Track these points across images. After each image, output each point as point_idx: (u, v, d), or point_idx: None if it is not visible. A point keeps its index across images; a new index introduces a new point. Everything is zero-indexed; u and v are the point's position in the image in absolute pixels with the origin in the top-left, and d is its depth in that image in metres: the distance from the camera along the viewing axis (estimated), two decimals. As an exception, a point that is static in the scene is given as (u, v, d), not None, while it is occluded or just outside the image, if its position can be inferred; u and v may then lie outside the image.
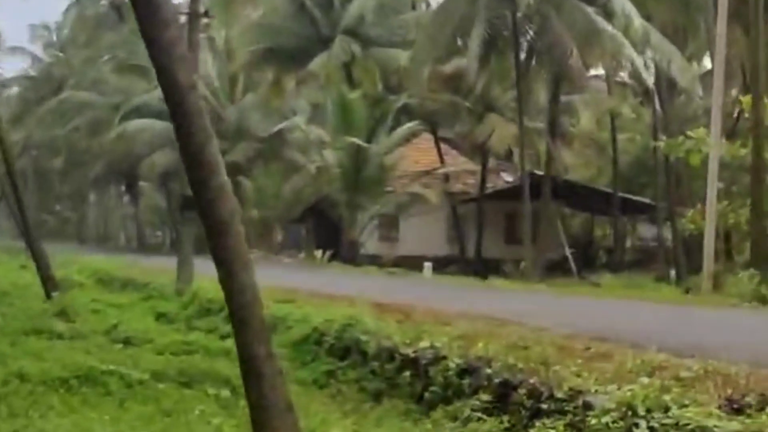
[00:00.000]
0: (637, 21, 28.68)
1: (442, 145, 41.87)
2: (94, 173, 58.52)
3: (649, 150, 36.75)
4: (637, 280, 31.10)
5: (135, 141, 47.45)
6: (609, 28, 28.61)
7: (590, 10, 29.69)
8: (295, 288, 20.15)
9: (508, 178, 45.39)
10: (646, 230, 49.86)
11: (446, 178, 41.61)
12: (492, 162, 42.91)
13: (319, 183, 37.73)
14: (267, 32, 41.85)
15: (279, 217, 44.27)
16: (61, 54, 69.15)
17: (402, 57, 37.28)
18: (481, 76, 33.22)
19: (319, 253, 37.82)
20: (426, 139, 41.89)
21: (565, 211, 47.53)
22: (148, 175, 51.47)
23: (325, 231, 40.98)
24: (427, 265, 29.40)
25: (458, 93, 36.62)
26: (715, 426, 6.95)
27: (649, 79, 30.97)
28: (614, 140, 41.05)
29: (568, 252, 40.19)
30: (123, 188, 64.96)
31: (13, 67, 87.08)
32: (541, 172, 36.26)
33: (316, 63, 39.05)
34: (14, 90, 73.26)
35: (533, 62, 32.94)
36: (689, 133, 23.27)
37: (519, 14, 30.76)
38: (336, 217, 38.35)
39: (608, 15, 29.40)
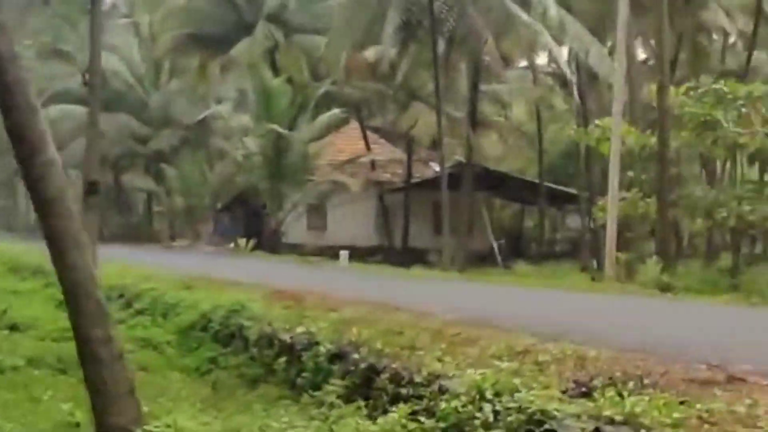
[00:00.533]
0: (554, 10, 28.56)
1: (372, 135, 41.49)
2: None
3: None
4: (557, 270, 31.21)
5: (57, 128, 46.42)
6: (525, 16, 28.46)
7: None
8: (203, 276, 19.80)
9: (436, 167, 45.29)
10: (574, 220, 50.24)
11: (372, 166, 41.33)
12: (424, 152, 42.63)
13: (244, 171, 37.17)
14: (190, 17, 41.17)
15: (206, 206, 43.61)
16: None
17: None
18: (402, 64, 32.98)
19: (243, 241, 37.30)
20: (354, 128, 41.49)
21: (496, 202, 47.62)
22: (70, 163, 50.34)
23: (250, 220, 40.47)
24: (344, 253, 29.13)
25: (383, 81, 36.26)
26: (556, 409, 6.83)
27: (567, 69, 30.92)
28: (539, 130, 41.13)
29: (493, 242, 40.27)
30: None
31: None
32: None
33: (238, 49, 38.50)
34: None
35: (452, 51, 32.59)
36: (597, 122, 23.36)
37: (437, 1, 30.41)
38: (260, 206, 37.87)
39: (525, 4, 29.25)
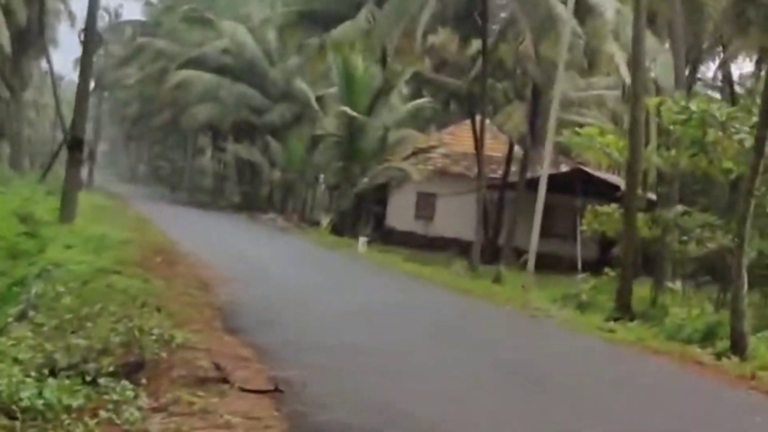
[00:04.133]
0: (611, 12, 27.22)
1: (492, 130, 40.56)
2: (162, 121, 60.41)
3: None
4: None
5: (183, 92, 48.64)
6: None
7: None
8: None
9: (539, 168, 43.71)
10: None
11: (479, 161, 40.47)
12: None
13: (324, 150, 37.66)
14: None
15: (307, 182, 44.47)
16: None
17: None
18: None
19: (326, 221, 37.63)
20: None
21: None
22: (190, 126, 52.60)
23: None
24: (362, 240, 28.96)
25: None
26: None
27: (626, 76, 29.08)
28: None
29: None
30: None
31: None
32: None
33: (339, 30, 38.66)
34: (128, 32, 75.45)
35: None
36: (578, 129, 22.21)
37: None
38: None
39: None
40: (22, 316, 10.20)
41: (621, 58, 28.43)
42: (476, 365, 10.49)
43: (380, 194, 38.40)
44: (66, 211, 22.16)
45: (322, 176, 44.35)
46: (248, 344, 9.81)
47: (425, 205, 40.45)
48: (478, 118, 33.70)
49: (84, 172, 62.31)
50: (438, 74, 36.99)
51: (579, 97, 34.78)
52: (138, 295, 11.92)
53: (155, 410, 6.70)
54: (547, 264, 29.26)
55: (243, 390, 7.46)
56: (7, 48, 43.77)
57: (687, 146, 18.91)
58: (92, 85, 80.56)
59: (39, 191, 39.30)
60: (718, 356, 12.88)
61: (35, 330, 9.27)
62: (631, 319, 16.74)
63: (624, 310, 17.58)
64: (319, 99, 43.40)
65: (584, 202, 40.60)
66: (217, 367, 8.05)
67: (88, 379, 7.31)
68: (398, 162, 35.38)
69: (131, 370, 7.77)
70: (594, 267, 28.88)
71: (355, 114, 34.01)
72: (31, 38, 48.12)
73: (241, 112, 46.58)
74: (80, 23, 39.15)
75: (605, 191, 38.58)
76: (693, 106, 17.60)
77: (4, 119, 51.25)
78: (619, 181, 32.64)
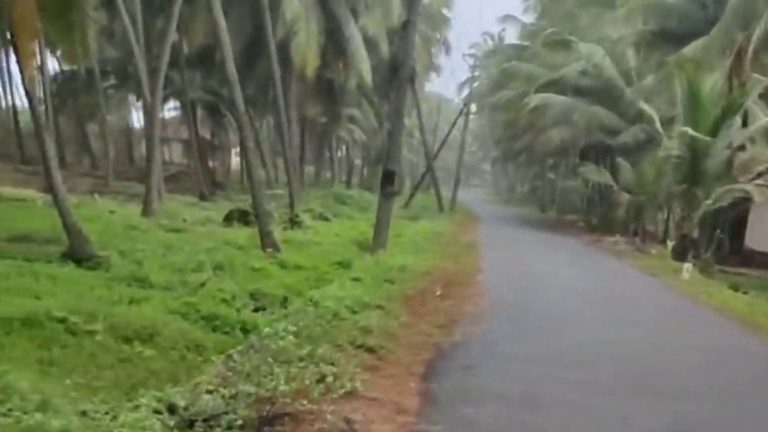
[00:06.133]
0: None
1: None
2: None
3: None
4: None
5: (542, 115, 49.09)
6: None
7: None
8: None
9: None
10: None
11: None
12: None
13: (663, 173, 36.26)
14: (655, 12, 40.33)
15: (655, 204, 43.00)
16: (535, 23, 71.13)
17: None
18: None
19: (661, 249, 36.22)
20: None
21: None
22: (543, 149, 52.78)
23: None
24: (686, 266, 27.26)
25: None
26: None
27: None
28: None
29: None
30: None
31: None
32: None
33: (691, 48, 36.97)
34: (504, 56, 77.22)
35: None
36: None
37: None
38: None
39: None
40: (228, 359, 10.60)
41: None
42: None
43: (735, 214, 36.06)
44: (377, 241, 23.49)
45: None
46: (423, 393, 9.74)
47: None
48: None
49: (447, 192, 65.31)
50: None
51: None
52: (367, 333, 12.49)
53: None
54: None
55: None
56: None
57: None
58: (473, 107, 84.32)
59: (401, 217, 41.95)
60: None
61: (230, 368, 9.97)
62: None
63: None
64: (668, 120, 41.97)
65: None
66: (348, 422, 8.26)
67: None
68: (745, 182, 33.24)
69: (266, 422, 8.08)
70: None
71: (698, 135, 32.46)
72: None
73: (594, 134, 46.21)
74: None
75: None
76: None
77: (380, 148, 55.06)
78: None
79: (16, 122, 54.75)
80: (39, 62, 45.59)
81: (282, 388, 8.93)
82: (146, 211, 30.25)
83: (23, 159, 48.69)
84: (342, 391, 9.25)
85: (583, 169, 47.68)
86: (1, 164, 44.34)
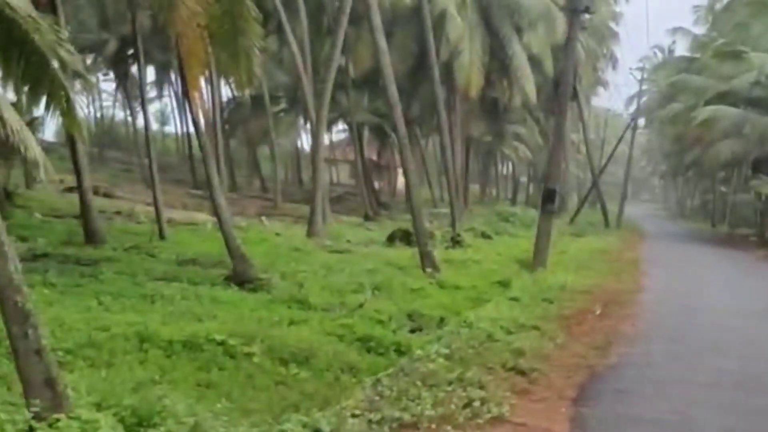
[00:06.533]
0: None
1: None
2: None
3: None
4: None
5: (711, 128, 47.55)
6: None
7: None
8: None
9: None
10: None
11: None
12: None
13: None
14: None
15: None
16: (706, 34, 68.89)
17: None
18: None
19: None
20: None
21: None
22: (711, 164, 50.99)
23: None
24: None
25: None
26: None
27: None
28: None
29: None
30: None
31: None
32: None
33: None
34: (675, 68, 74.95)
35: None
36: None
37: None
38: None
39: None
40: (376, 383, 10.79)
41: None
42: None
43: None
44: (537, 259, 23.46)
45: None
46: (574, 418, 9.60)
47: None
48: None
49: (616, 207, 64.00)
50: None
51: None
52: (519, 355, 12.51)
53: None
54: None
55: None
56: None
57: None
58: (641, 120, 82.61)
59: (564, 234, 41.60)
60: None
61: (378, 392, 10.01)
62: None
63: None
64: None
65: None
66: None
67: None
68: None
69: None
70: None
71: None
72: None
73: (766, 146, 44.48)
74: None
75: None
76: None
77: (545, 165, 54.79)
78: None
79: (190, 147, 57.41)
80: (212, 90, 47.74)
81: (428, 413, 9.03)
82: (310, 233, 31.11)
83: (195, 183, 50.69)
84: (488, 416, 9.24)
85: (755, 182, 45.90)
86: (175, 188, 46.36)
